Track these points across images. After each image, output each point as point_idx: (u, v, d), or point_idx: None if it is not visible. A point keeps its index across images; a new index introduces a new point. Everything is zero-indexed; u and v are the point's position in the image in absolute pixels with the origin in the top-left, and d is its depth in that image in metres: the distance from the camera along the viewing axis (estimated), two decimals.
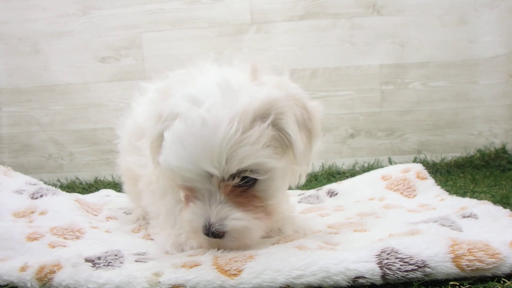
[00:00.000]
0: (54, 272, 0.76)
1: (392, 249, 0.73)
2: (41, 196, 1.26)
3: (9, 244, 0.93)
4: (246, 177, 0.80)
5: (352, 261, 0.71)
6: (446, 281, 0.70)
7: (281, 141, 0.83)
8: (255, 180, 0.81)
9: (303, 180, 0.98)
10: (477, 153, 2.40)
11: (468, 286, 0.69)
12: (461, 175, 2.13)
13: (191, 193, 0.84)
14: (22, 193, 1.26)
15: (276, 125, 0.82)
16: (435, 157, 2.43)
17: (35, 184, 1.35)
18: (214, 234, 0.81)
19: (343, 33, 2.46)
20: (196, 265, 0.76)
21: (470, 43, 2.42)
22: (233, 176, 0.79)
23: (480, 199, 1.35)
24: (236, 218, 0.80)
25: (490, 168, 2.26)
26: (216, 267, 0.75)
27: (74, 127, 2.57)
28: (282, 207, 1.08)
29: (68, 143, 2.58)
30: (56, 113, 2.57)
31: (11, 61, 2.56)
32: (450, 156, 2.43)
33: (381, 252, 0.73)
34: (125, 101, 2.53)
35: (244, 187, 0.81)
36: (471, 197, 1.44)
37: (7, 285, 0.79)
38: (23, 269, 0.79)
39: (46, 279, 0.76)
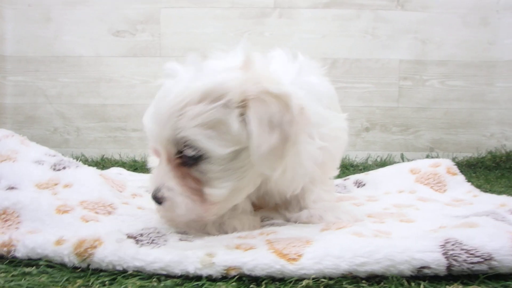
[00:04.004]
0: (95, 247, 0.72)
1: (456, 240, 0.72)
2: (64, 168, 1.19)
3: (37, 215, 0.87)
4: (182, 152, 0.82)
5: (417, 250, 0.69)
6: (508, 275, 0.70)
7: (234, 133, 0.80)
8: (196, 160, 0.81)
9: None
10: (488, 154, 2.44)
11: None
12: (473, 175, 2.17)
13: (158, 157, 0.89)
14: (42, 164, 1.18)
15: (230, 113, 0.80)
16: (447, 156, 2.46)
17: (54, 156, 1.28)
18: (156, 200, 0.84)
19: (366, 25, 2.44)
20: (252, 248, 0.73)
21: (490, 45, 2.45)
22: (171, 145, 0.81)
23: None
24: (167, 188, 0.83)
25: (501, 169, 2.30)
26: (273, 250, 0.72)
27: (83, 101, 2.47)
28: (325, 196, 1.07)
29: (75, 118, 2.48)
30: (65, 85, 2.46)
31: (20, 27, 2.42)
32: (461, 155, 2.47)
33: (446, 243, 0.71)
34: (138, 78, 2.45)
35: (186, 162, 0.82)
36: None
37: (40, 259, 0.74)
38: (59, 242, 0.75)
39: (86, 255, 0.71)
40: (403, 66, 2.47)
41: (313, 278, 0.68)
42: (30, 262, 0.75)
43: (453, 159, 2.42)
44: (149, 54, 2.44)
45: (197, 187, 0.83)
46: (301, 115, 0.82)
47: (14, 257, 0.75)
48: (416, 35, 2.45)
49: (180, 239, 0.82)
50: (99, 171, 1.33)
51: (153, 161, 1.48)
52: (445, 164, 1.58)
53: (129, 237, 0.78)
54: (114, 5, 2.43)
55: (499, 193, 1.61)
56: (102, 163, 2.31)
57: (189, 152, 0.80)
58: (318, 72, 1.03)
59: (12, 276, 0.69)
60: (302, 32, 2.44)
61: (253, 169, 0.85)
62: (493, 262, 0.69)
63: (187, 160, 0.82)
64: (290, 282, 0.68)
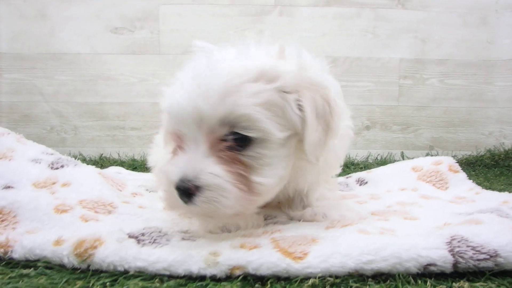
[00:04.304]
0: (96, 247, 0.70)
1: (462, 237, 0.71)
2: (62, 166, 1.17)
3: (36, 215, 0.85)
4: (237, 134, 0.75)
5: (424, 247, 0.69)
6: None
7: (284, 117, 0.79)
8: (247, 144, 0.76)
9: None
10: (487, 152, 2.44)
11: None
12: (473, 173, 2.16)
13: (180, 143, 0.79)
14: (40, 162, 1.16)
15: (284, 98, 0.78)
16: (446, 154, 2.45)
17: (52, 154, 1.26)
18: (185, 191, 0.72)
19: (367, 23, 2.43)
20: (257, 247, 0.72)
21: (489, 44, 2.44)
22: (222, 124, 0.74)
23: None
24: (212, 173, 0.72)
25: (500, 168, 2.30)
26: (279, 249, 0.70)
27: (80, 99, 2.43)
28: (328, 194, 1.06)
29: (72, 116, 2.44)
30: (62, 83, 2.42)
31: (15, 24, 2.37)
32: (461, 154, 2.46)
33: (452, 240, 0.71)
34: (137, 76, 2.42)
35: (234, 145, 0.76)
36: None
37: (38, 259, 0.72)
38: (58, 242, 0.73)
39: (86, 255, 0.70)
40: (403, 65, 2.46)
41: (319, 277, 0.66)
42: (28, 263, 0.72)
43: (453, 158, 2.41)
44: (148, 51, 2.41)
45: (244, 173, 0.76)
46: (336, 107, 0.83)
47: (11, 259, 0.73)
48: (416, 34, 2.44)
49: (183, 238, 0.80)
50: (98, 169, 1.32)
51: (153, 160, 1.45)
52: (447, 162, 1.58)
53: (130, 236, 0.75)
54: (111, 2, 2.39)
55: (499, 190, 1.60)
56: (101, 163, 2.29)
57: (247, 133, 0.75)
58: (326, 70, 1.03)
59: (10, 278, 0.67)
60: (302, 30, 2.42)
61: (293, 159, 0.84)
62: (499, 259, 0.68)
63: (236, 143, 0.75)
64: (296, 281, 0.66)
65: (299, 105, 0.79)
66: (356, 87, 2.46)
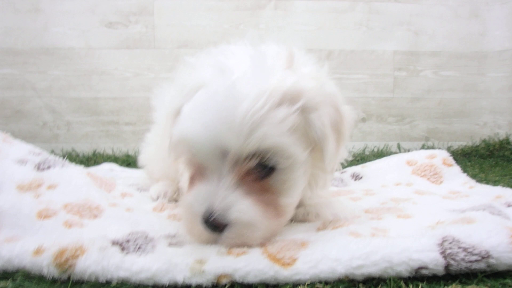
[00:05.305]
0: (77, 256, 0.66)
1: (454, 238, 0.68)
2: (49, 167, 1.09)
3: (17, 221, 0.80)
4: (264, 163, 0.72)
5: (415, 250, 0.66)
6: (507, 272, 0.67)
7: (306, 135, 0.77)
8: (272, 170, 0.74)
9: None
10: (482, 143, 2.46)
11: None
12: (468, 163, 2.17)
13: (200, 172, 0.75)
14: (25, 163, 1.08)
15: (306, 117, 0.76)
16: (442, 145, 2.48)
17: (39, 154, 1.17)
18: (213, 226, 0.70)
19: (361, 16, 2.46)
20: (244, 253, 0.69)
21: (481, 36, 2.49)
22: (250, 157, 0.71)
23: None
24: (241, 210, 0.70)
25: (495, 158, 2.32)
26: (267, 255, 0.67)
27: (74, 94, 2.39)
28: (320, 193, 1.01)
29: (66, 112, 2.40)
30: (55, 78, 2.38)
31: (8, 18, 2.33)
32: (456, 144, 2.48)
33: (443, 241, 0.68)
34: (131, 71, 2.40)
35: (259, 174, 0.73)
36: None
37: (17, 271, 0.68)
38: (38, 252, 0.68)
39: (67, 265, 0.65)
40: (397, 57, 2.49)
41: (308, 284, 0.64)
42: (6, 275, 0.68)
43: (448, 148, 2.44)
44: (143, 46, 2.40)
45: (272, 200, 0.75)
46: (344, 113, 0.82)
47: None
48: (409, 27, 2.47)
49: (170, 244, 0.75)
50: (87, 170, 1.26)
51: (144, 159, 1.41)
52: (441, 156, 1.58)
53: (114, 243, 0.71)
54: None
55: (494, 182, 1.60)
56: (94, 159, 2.24)
57: (275, 163, 0.72)
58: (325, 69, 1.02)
59: None
60: (297, 24, 2.44)
61: (309, 169, 0.82)
62: (491, 260, 0.66)
63: (261, 172, 0.73)
64: None
65: (319, 121, 0.77)
66: (351, 80, 2.48)
